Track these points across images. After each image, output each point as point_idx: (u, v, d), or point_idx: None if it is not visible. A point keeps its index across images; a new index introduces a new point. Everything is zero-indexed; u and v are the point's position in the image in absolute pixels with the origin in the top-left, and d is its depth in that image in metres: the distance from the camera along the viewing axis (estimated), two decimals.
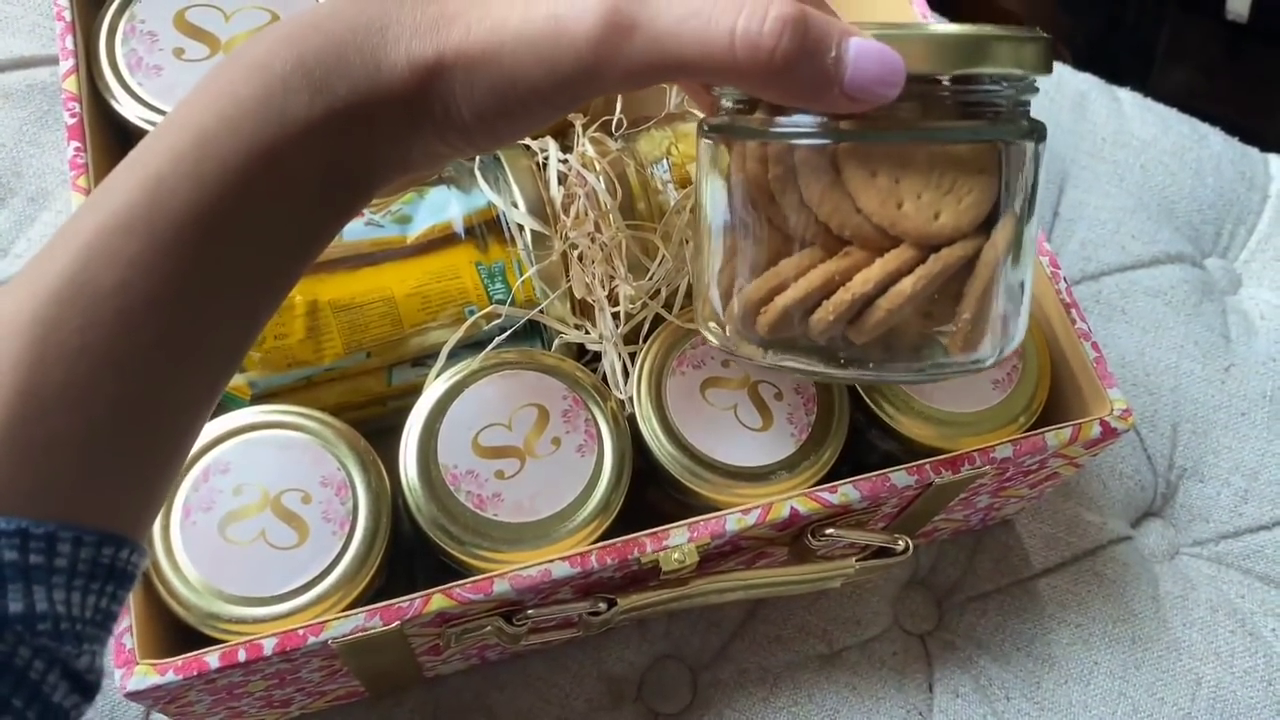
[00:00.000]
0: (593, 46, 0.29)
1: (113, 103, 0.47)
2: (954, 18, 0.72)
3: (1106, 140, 0.68)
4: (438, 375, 0.45)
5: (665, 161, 0.51)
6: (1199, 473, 0.60)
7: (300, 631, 0.38)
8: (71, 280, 0.26)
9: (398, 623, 0.38)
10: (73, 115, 0.45)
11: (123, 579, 0.27)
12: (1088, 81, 0.71)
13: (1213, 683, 0.54)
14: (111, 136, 0.48)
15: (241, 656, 0.37)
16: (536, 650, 0.51)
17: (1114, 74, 0.74)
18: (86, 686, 0.27)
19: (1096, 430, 0.45)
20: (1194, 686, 0.54)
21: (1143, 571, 0.57)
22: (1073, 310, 0.47)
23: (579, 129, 0.50)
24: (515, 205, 0.47)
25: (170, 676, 0.37)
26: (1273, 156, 0.71)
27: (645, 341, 0.47)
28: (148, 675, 0.37)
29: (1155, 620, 0.55)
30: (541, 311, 0.46)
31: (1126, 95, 0.71)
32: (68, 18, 0.47)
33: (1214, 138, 0.70)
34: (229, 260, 0.28)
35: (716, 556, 0.45)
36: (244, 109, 0.28)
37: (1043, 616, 0.55)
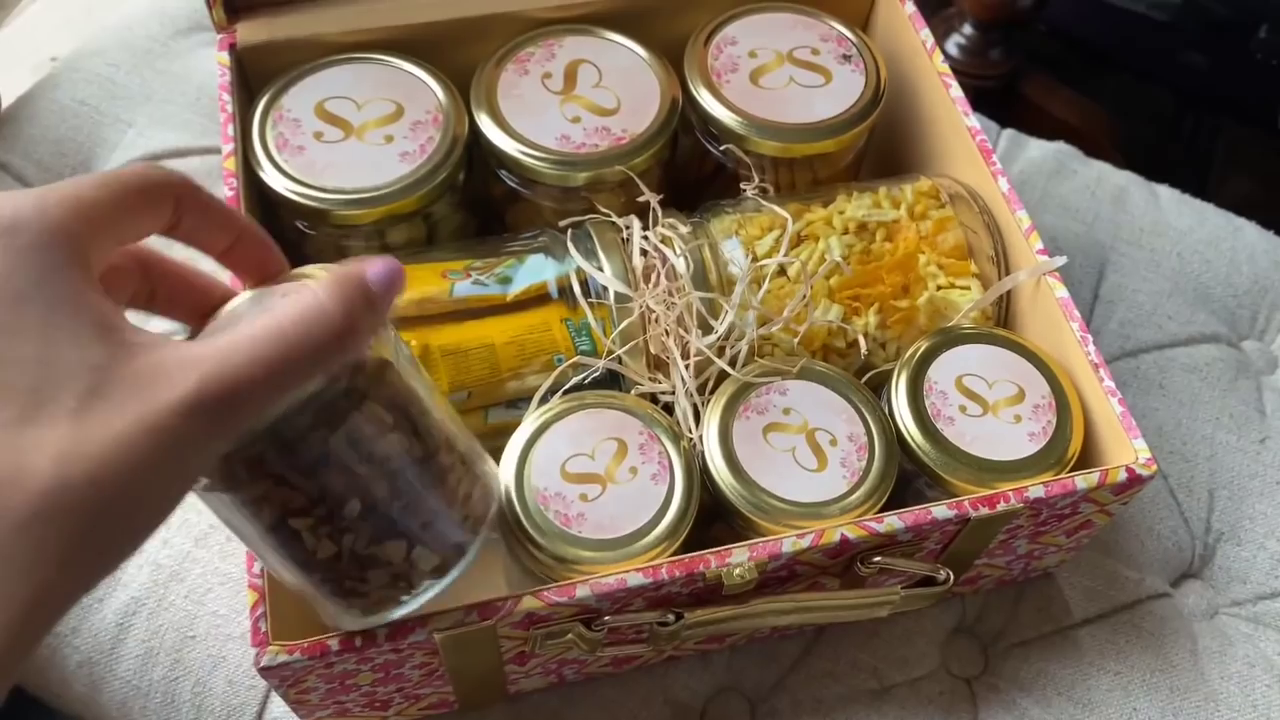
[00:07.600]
0: None
1: (261, 175, 0.55)
2: (1005, 124, 0.79)
3: (1144, 230, 0.73)
4: (531, 414, 0.51)
5: (735, 239, 0.57)
6: (1236, 536, 0.63)
7: (409, 623, 0.44)
8: None
9: (492, 620, 0.44)
10: (231, 188, 0.53)
11: None
12: (1128, 178, 0.77)
13: None
14: (260, 206, 0.56)
15: (358, 642, 0.43)
16: (609, 674, 0.56)
17: (1171, 184, 0.77)
18: None
19: (1123, 475, 0.49)
20: None
21: (1181, 627, 0.60)
22: (1100, 370, 0.52)
23: (657, 209, 0.57)
24: (601, 270, 0.54)
25: (297, 656, 0.43)
26: None
27: (712, 392, 0.53)
28: (278, 655, 0.43)
29: (1193, 672, 0.59)
30: (620, 361, 0.53)
31: (1164, 190, 0.76)
32: (229, 110, 0.56)
33: (1249, 229, 0.75)
34: None
35: (774, 582, 0.50)
36: None
37: (1083, 663, 0.58)
